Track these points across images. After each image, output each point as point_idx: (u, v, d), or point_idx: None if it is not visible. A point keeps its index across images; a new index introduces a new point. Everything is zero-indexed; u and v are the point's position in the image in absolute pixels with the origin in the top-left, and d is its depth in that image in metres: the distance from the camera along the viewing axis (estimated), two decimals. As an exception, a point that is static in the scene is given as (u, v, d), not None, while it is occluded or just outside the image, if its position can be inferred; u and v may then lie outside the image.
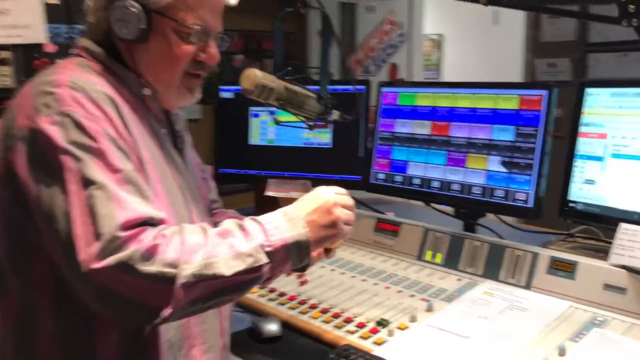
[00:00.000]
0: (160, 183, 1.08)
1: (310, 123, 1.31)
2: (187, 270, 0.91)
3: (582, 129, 1.54)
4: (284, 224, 1.02)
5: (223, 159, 2.05)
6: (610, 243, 1.64)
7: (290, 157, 1.95)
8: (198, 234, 0.97)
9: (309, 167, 1.93)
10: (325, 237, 1.07)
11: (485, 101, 1.60)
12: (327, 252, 1.24)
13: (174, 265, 0.91)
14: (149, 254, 0.90)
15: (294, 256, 1.03)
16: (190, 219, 1.13)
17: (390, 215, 2.08)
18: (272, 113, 1.92)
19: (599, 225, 1.62)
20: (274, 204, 2.40)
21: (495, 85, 1.60)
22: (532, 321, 1.33)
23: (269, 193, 1.95)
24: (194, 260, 0.93)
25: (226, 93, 2.05)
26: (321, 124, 1.30)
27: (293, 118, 1.32)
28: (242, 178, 2.03)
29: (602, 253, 1.55)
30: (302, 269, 1.20)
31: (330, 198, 1.09)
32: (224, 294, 0.97)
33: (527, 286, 1.47)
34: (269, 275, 1.01)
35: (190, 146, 1.34)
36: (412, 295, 1.50)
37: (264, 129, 2.00)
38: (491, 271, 1.54)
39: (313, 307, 1.47)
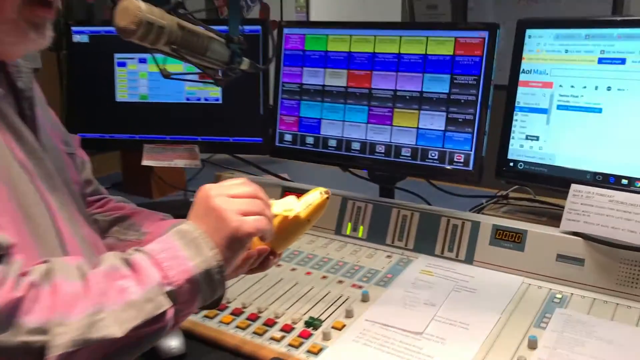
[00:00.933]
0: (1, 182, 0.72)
1: (216, 76, 0.97)
2: (63, 336, 0.63)
3: (523, 77, 1.34)
4: (184, 251, 0.75)
5: (79, 121, 1.63)
6: (546, 204, 1.51)
7: (171, 116, 1.58)
8: (75, 278, 0.68)
9: (195, 129, 1.58)
10: (235, 250, 0.79)
11: (414, 45, 1.34)
12: (264, 262, 0.97)
13: (43, 330, 0.62)
14: (5, 316, 0.57)
15: (204, 290, 0.76)
16: (59, 240, 0.79)
17: (288, 180, 1.81)
18: (142, 61, 1.54)
19: (531, 185, 1.47)
20: (145, 172, 2.02)
21: (425, 26, 1.35)
22: (486, 304, 1.14)
23: (147, 162, 1.58)
24: (73, 320, 0.64)
25: (80, 36, 1.61)
26: (229, 76, 0.97)
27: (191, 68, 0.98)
28: (108, 144, 1.63)
29: (544, 217, 1.40)
30: (216, 304, 0.90)
31: (212, 193, 0.80)
32: (120, 357, 0.69)
33: (469, 260, 1.28)
34: (174, 321, 0.74)
35: (45, 108, 0.96)
36: (340, 282, 1.24)
37: (134, 81, 1.59)
38: (424, 245, 1.33)
39: (221, 308, 1.17)
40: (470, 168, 1.30)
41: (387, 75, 1.38)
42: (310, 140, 1.48)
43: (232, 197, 0.79)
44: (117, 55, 1.57)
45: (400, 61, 1.36)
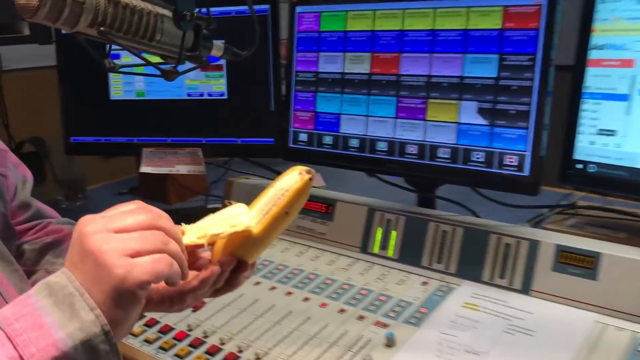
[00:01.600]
0: None
1: (169, 66, 0.74)
2: None
3: (594, 55, 1.05)
4: (51, 315, 0.54)
5: (73, 122, 1.44)
6: (625, 214, 1.21)
7: (171, 115, 1.37)
8: None
9: (198, 129, 1.36)
10: (125, 306, 0.56)
11: (451, 19, 1.07)
12: (232, 277, 0.73)
13: None
14: None
15: None
16: None
17: (316, 185, 1.56)
18: (115, 57, 1.32)
19: (605, 192, 1.17)
20: (162, 175, 1.83)
21: (465, -6, 1.08)
22: (548, 353, 0.87)
23: (144, 169, 1.37)
24: None
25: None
26: (189, 67, 0.74)
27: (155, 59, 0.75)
28: (103, 148, 1.43)
29: (622, 232, 1.11)
30: None
31: (88, 230, 0.57)
32: None
33: (525, 290, 1.01)
34: None
35: None
36: (362, 318, 1.00)
37: (129, 76, 1.39)
38: (469, 268, 1.06)
39: (213, 351, 0.95)
40: (526, 173, 1.02)
41: (419, 57, 1.11)
42: (328, 139, 1.23)
43: (116, 231, 0.56)
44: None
45: (434, 39, 1.09)
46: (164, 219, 0.61)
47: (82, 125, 1.43)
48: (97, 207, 0.57)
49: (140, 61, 0.75)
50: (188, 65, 0.77)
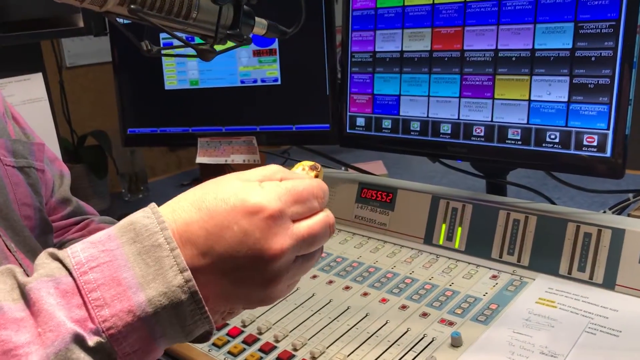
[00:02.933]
0: None
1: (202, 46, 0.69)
2: None
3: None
4: (132, 269, 0.45)
5: (129, 114, 1.42)
6: None
7: (225, 103, 1.33)
8: None
9: (252, 117, 1.31)
10: (251, 294, 0.50)
11: (519, -15, 0.97)
12: None
13: None
14: None
15: (169, 333, 0.46)
16: None
17: (377, 173, 1.49)
18: (189, 40, 1.29)
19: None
20: (220, 165, 1.80)
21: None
22: (635, 356, 0.77)
23: (200, 159, 1.34)
24: None
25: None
26: (229, 46, 0.68)
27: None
28: (159, 139, 1.41)
29: None
30: (203, 338, 0.54)
31: (263, 205, 0.48)
32: None
33: (609, 284, 0.90)
34: None
35: None
36: (425, 315, 0.92)
37: (182, 64, 1.35)
38: (544, 261, 0.97)
39: (267, 349, 0.90)
40: (608, 154, 0.91)
41: (485, 30, 1.01)
42: (387, 123, 1.15)
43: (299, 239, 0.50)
44: (162, 35, 1.33)
45: (501, 9, 0.99)
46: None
47: (138, 117, 1.41)
48: (159, 200, 0.51)
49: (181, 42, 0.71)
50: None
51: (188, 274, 0.45)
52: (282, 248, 0.47)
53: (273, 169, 0.53)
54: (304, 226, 0.49)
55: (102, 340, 0.43)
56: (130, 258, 0.45)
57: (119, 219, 0.81)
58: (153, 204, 0.49)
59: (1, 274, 0.45)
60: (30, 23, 1.25)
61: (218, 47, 0.69)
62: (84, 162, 1.69)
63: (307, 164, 0.61)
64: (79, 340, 0.43)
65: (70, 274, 0.45)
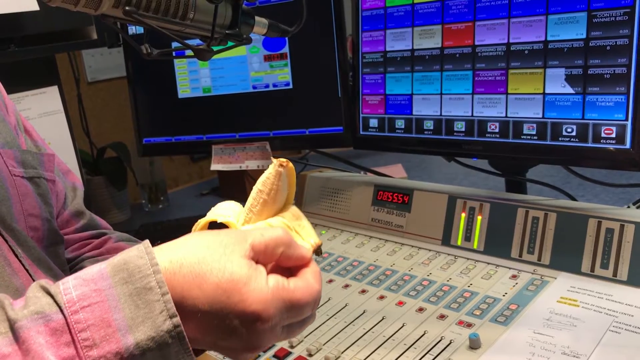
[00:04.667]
0: None
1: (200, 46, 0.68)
2: None
3: None
4: (122, 310, 0.45)
5: (145, 123, 1.43)
6: None
7: (238, 110, 1.32)
8: None
9: (265, 122, 1.30)
10: (225, 344, 0.51)
11: (529, -23, 0.95)
12: None
13: None
14: None
15: None
16: None
17: (397, 176, 1.48)
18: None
19: None
20: (239, 174, 1.80)
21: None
22: (662, 357, 0.74)
23: (215, 166, 1.34)
24: None
25: (134, 26, 1.39)
26: (229, 46, 0.67)
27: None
28: (175, 148, 1.41)
29: None
30: None
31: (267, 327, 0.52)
32: None
33: (634, 281, 0.87)
34: None
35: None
36: (442, 317, 0.90)
37: (194, 72, 1.35)
38: (565, 259, 0.94)
39: (281, 355, 0.88)
40: (627, 145, 0.88)
41: (496, 24, 0.99)
42: (400, 123, 1.13)
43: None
44: (175, 45, 1.33)
45: (512, 2, 0.97)
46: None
47: (153, 126, 1.41)
48: (179, 210, 0.51)
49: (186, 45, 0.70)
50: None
51: (177, 319, 0.46)
52: (265, 346, 0.51)
53: (276, 241, 0.53)
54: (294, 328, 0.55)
55: None
56: (122, 299, 0.46)
57: (139, 230, 0.79)
58: (147, 243, 0.49)
59: None
60: (44, 37, 1.26)
61: (217, 48, 0.68)
62: (103, 174, 1.70)
63: (276, 161, 0.62)
64: None
65: (62, 311, 0.45)
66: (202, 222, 0.63)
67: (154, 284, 0.46)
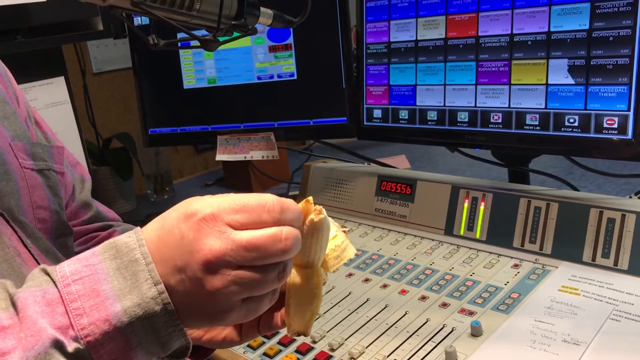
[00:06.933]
0: None
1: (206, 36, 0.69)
2: None
3: None
4: (110, 281, 0.48)
5: (150, 114, 1.44)
6: None
7: (243, 100, 1.33)
8: None
9: (270, 113, 1.31)
10: (203, 304, 0.50)
11: (533, -32, 0.96)
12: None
13: None
14: None
15: (145, 343, 0.48)
16: None
17: (401, 167, 1.48)
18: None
19: None
20: (244, 165, 1.81)
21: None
22: (662, 344, 0.75)
23: (220, 157, 1.35)
24: None
25: (140, 17, 1.39)
26: (235, 36, 0.68)
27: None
28: (179, 138, 1.42)
29: None
30: (180, 354, 0.54)
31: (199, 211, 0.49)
32: None
33: (634, 270, 0.88)
34: None
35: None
36: (445, 305, 0.91)
37: (200, 63, 1.36)
38: (567, 248, 0.95)
39: (286, 342, 0.90)
40: (629, 136, 0.88)
41: (499, 15, 1.00)
42: (403, 114, 1.14)
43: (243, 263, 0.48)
44: (180, 35, 1.34)
45: (515, -7, 0.98)
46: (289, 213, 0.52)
47: (159, 117, 1.42)
48: (184, 199, 0.52)
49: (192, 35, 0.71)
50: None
51: (161, 286, 0.48)
52: (212, 249, 0.47)
53: (260, 197, 0.51)
54: (245, 234, 0.48)
55: (81, 347, 0.46)
56: (110, 272, 0.48)
57: (145, 220, 0.81)
58: (138, 228, 0.51)
59: None
60: (51, 28, 1.27)
61: (223, 38, 0.69)
62: (109, 164, 1.71)
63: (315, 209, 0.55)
64: (58, 345, 0.45)
65: (56, 285, 0.48)
66: None
67: (139, 256, 0.48)
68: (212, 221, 0.48)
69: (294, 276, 0.57)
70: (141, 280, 0.48)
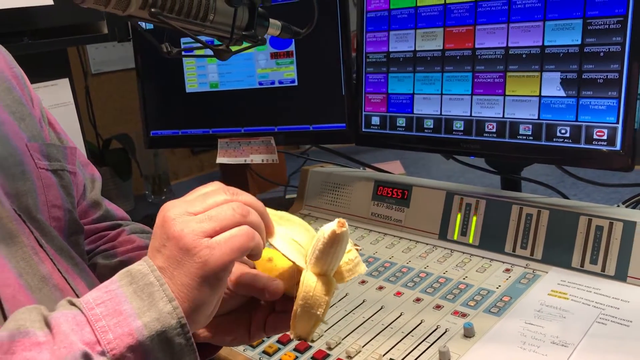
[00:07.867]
0: None
1: (223, 47, 0.72)
2: None
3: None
4: (130, 302, 0.53)
5: (152, 116, 1.46)
6: None
7: (244, 105, 1.36)
8: None
9: (270, 117, 1.35)
10: (207, 291, 0.55)
11: (529, -16, 0.99)
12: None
13: None
14: None
15: (161, 356, 0.53)
16: None
17: (395, 172, 1.52)
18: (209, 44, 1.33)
19: None
20: (241, 167, 1.84)
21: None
22: (646, 346, 0.78)
23: (220, 160, 1.38)
24: None
25: (143, 22, 1.43)
26: (245, 46, 0.71)
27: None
28: (181, 141, 1.45)
29: None
30: None
31: (171, 214, 0.56)
32: None
33: (621, 276, 0.92)
34: None
35: (19, 111, 0.77)
36: (439, 307, 0.94)
37: (202, 68, 1.39)
38: (557, 254, 0.98)
39: (284, 340, 0.93)
40: (618, 147, 0.92)
41: (495, 28, 1.04)
42: (401, 121, 1.18)
43: (196, 214, 0.55)
44: (183, 40, 1.37)
45: (511, 7, 1.02)
46: (244, 195, 0.59)
47: (161, 119, 1.45)
48: None
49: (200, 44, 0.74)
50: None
51: (175, 303, 0.53)
52: (172, 213, 0.55)
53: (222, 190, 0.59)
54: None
55: (107, 359, 0.51)
56: (129, 295, 0.54)
57: (144, 220, 0.83)
58: (147, 257, 0.57)
59: (30, 310, 0.54)
60: (56, 30, 1.30)
61: (234, 48, 0.72)
62: (108, 164, 1.74)
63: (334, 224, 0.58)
64: (87, 358, 0.50)
65: (82, 311, 0.53)
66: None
67: (153, 279, 0.54)
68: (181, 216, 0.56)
69: (307, 280, 0.60)
70: (157, 298, 0.53)
